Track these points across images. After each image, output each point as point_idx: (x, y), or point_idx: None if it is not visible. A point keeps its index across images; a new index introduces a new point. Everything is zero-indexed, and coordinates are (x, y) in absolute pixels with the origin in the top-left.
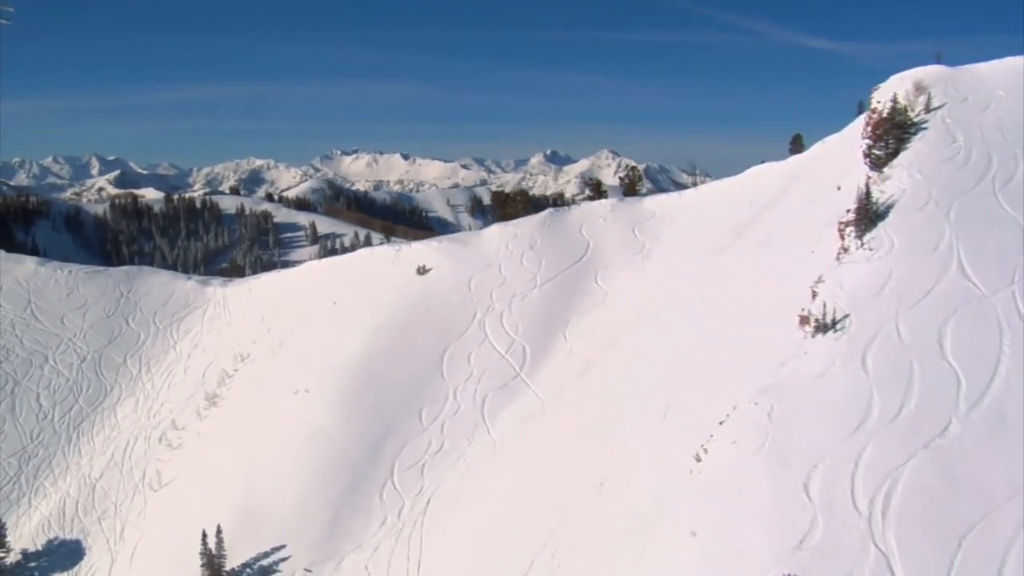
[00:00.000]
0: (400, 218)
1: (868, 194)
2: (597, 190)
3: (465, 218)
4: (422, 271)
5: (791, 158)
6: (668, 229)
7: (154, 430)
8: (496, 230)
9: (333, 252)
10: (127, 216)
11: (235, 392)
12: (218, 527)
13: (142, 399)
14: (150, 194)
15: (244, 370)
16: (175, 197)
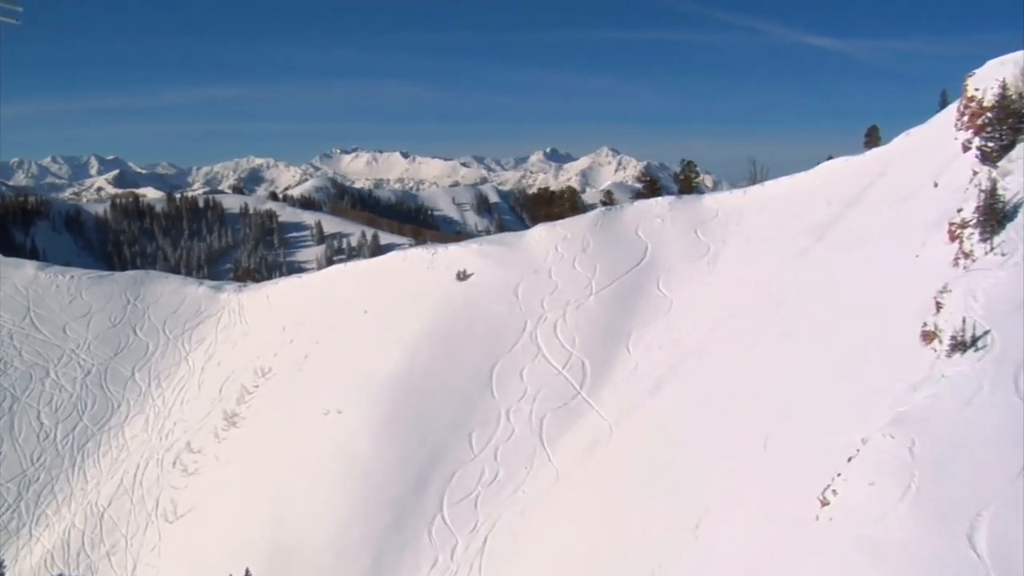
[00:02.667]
0: (406, 217)
1: (994, 191)
2: (652, 188)
3: (471, 216)
4: (462, 276)
5: (869, 152)
6: (734, 230)
7: (167, 452)
8: (542, 231)
9: (340, 252)
10: (128, 216)
11: (257, 411)
12: (247, 571)
13: (152, 417)
14: (150, 193)
15: (266, 386)
16: (177, 196)
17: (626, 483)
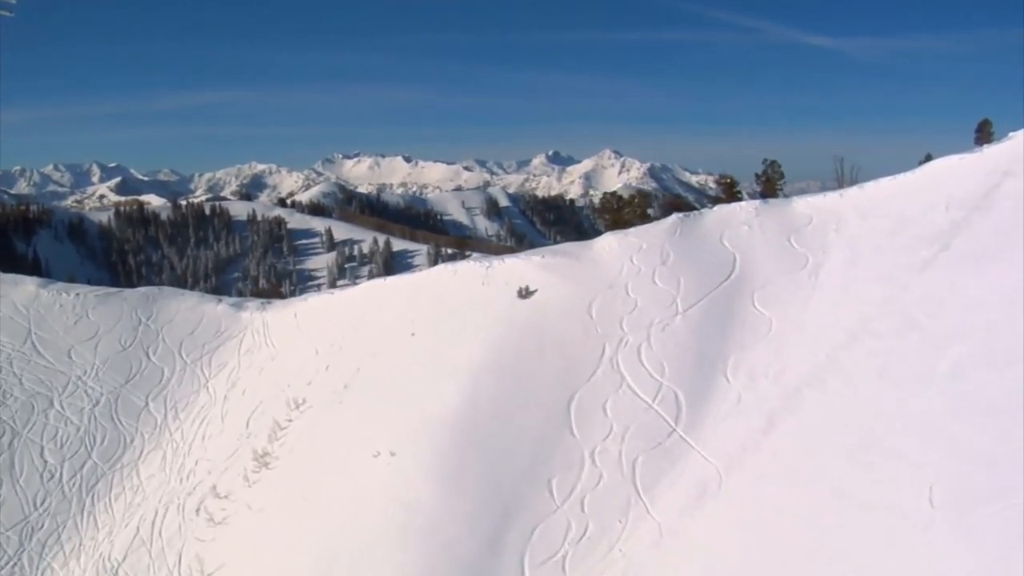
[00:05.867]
0: (416, 222)
1: None
2: (730, 190)
3: (481, 221)
4: (525, 294)
5: (985, 149)
6: (835, 238)
7: (189, 497)
8: (613, 241)
9: (352, 259)
10: (133, 224)
11: (292, 450)
12: None
13: (170, 454)
14: (153, 201)
15: (300, 421)
16: (183, 203)
17: (752, 544)
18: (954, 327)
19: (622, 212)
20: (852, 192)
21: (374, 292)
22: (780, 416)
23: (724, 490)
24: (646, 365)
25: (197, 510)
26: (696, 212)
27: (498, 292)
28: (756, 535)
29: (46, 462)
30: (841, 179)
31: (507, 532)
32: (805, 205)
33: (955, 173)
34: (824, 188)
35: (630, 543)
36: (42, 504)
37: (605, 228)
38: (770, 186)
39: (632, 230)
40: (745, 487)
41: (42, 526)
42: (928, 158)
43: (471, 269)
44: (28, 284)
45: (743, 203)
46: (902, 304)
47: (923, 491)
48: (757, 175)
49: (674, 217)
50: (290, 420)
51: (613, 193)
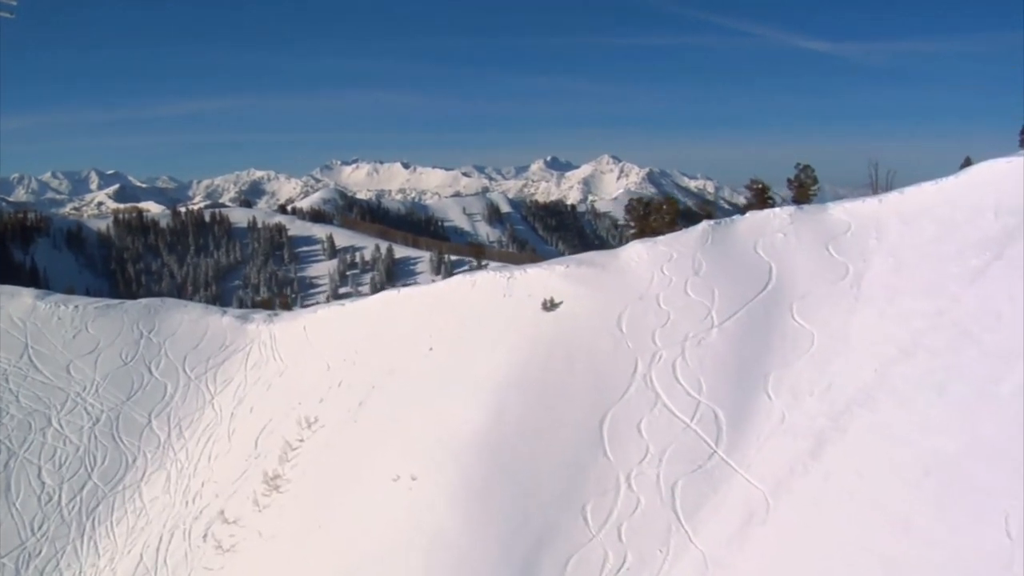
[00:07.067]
0: (417, 228)
1: None
2: (762, 196)
3: (483, 227)
4: (550, 306)
5: None
6: (875, 246)
7: (195, 522)
8: (642, 250)
9: (353, 266)
10: (132, 232)
11: (304, 473)
12: None
13: (175, 475)
14: (152, 208)
15: (313, 441)
16: (182, 211)
17: None
18: (1015, 342)
19: (648, 219)
20: (892, 197)
21: (388, 304)
22: (829, 437)
23: (773, 517)
24: (682, 382)
25: (204, 536)
26: (727, 219)
27: (521, 304)
28: (810, 567)
29: (44, 484)
30: (875, 185)
31: (540, 563)
32: (842, 211)
33: (1002, 177)
34: (824, 194)
35: (673, 575)
36: (40, 528)
37: (630, 236)
38: (803, 192)
39: (661, 238)
40: (796, 514)
41: (40, 552)
42: (968, 162)
43: (491, 280)
44: (25, 296)
45: (776, 210)
46: (955, 317)
47: (998, 521)
48: (789, 180)
49: (704, 224)
50: (301, 440)
51: (639, 199)
